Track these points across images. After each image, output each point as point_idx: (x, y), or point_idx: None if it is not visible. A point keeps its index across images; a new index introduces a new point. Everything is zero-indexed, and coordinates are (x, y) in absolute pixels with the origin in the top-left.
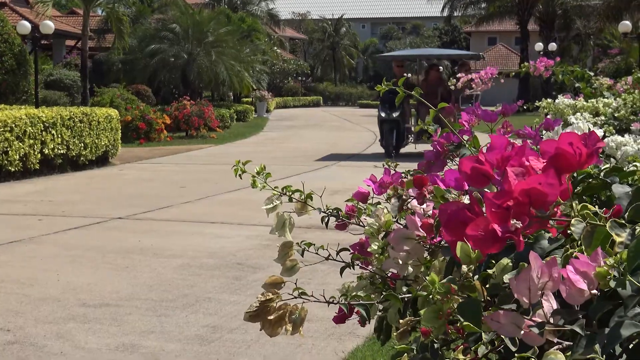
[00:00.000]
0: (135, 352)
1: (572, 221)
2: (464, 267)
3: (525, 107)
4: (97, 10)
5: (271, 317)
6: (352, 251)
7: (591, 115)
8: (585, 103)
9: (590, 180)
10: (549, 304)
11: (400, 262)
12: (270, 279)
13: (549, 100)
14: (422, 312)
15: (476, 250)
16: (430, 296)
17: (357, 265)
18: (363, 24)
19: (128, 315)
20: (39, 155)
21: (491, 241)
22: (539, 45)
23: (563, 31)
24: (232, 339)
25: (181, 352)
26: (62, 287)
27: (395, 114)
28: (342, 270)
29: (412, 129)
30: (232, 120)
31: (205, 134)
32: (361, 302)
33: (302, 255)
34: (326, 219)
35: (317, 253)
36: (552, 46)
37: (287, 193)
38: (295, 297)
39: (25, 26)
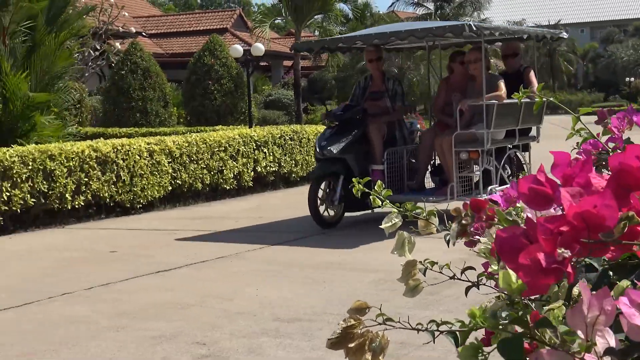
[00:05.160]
0: None
1: None
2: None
3: None
4: (315, 31)
5: (352, 345)
6: (484, 270)
7: None
8: None
9: None
10: (605, 341)
11: None
12: (355, 304)
13: None
14: (459, 349)
15: (519, 281)
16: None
17: (483, 284)
18: (582, 28)
19: (319, 330)
20: (252, 173)
21: (538, 272)
22: None
23: None
24: (418, 355)
25: None
26: (259, 301)
27: (335, 148)
28: (467, 290)
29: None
30: None
31: None
32: (452, 329)
33: (424, 274)
34: (448, 238)
35: (441, 272)
36: None
37: (408, 211)
38: (380, 324)
39: (237, 50)
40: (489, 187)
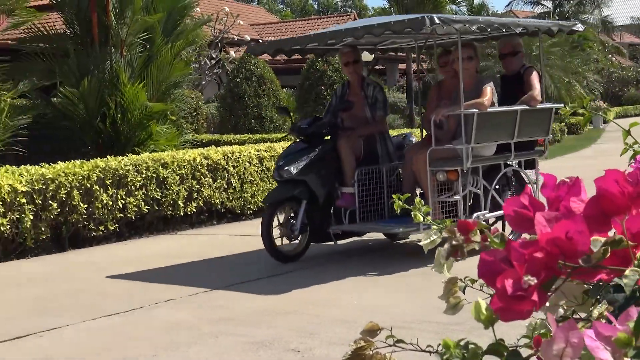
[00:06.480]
0: None
1: (627, 272)
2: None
3: None
4: None
5: None
6: None
7: None
8: None
9: None
10: None
11: (547, 303)
12: (367, 325)
13: None
14: None
15: (487, 311)
16: None
17: None
18: None
19: (413, 338)
20: None
21: (507, 299)
22: None
23: None
24: None
25: None
26: (357, 309)
27: (295, 168)
28: None
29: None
30: (564, 134)
31: None
32: (439, 351)
33: (464, 292)
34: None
35: (481, 290)
36: None
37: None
38: (390, 345)
39: None
40: (476, 214)
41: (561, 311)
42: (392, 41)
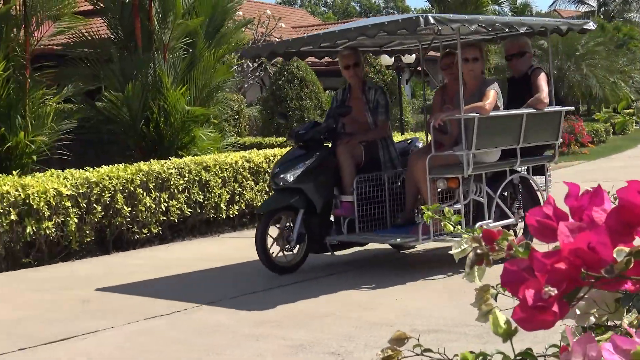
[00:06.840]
0: None
1: None
2: None
3: None
4: None
5: None
6: None
7: None
8: None
9: None
10: None
11: (578, 311)
12: (395, 334)
13: None
14: None
15: (505, 324)
16: None
17: None
18: None
19: (453, 342)
20: None
21: (529, 309)
22: None
23: None
24: None
25: None
26: (398, 312)
27: (291, 176)
28: None
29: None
30: (609, 134)
31: (577, 150)
32: None
33: (495, 299)
34: None
35: (512, 298)
36: None
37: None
38: (417, 355)
39: (387, 58)
40: (479, 223)
41: (592, 320)
42: (399, 42)
